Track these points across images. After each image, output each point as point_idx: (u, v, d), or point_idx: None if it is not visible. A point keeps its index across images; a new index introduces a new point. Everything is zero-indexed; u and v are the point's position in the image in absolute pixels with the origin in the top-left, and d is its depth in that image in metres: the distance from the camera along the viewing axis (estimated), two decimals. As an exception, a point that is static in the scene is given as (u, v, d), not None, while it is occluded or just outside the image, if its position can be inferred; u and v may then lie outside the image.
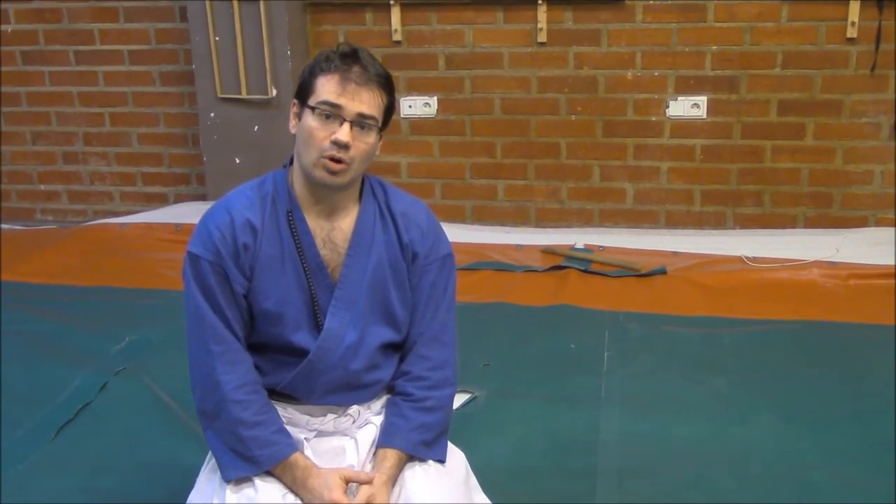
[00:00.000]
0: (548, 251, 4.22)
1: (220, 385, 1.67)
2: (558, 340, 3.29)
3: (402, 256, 1.78)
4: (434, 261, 1.81)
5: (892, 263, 3.85)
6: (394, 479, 1.71)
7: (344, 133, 1.62)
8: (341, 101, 1.63)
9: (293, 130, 1.71)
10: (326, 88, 1.64)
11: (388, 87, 1.69)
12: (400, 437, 1.74)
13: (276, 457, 1.68)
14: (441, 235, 1.85)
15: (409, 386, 1.80)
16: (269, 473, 1.69)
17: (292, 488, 1.68)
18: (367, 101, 1.64)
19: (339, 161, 1.63)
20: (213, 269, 1.68)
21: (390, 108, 1.71)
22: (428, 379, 1.79)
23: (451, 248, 1.87)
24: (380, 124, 1.68)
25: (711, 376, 3.01)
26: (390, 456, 1.73)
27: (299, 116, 1.69)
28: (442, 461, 1.78)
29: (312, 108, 1.65)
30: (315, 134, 1.64)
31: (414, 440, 1.74)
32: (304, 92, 1.68)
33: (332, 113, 1.63)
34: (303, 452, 1.72)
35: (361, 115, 1.64)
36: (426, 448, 1.75)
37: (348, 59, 1.65)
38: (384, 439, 1.75)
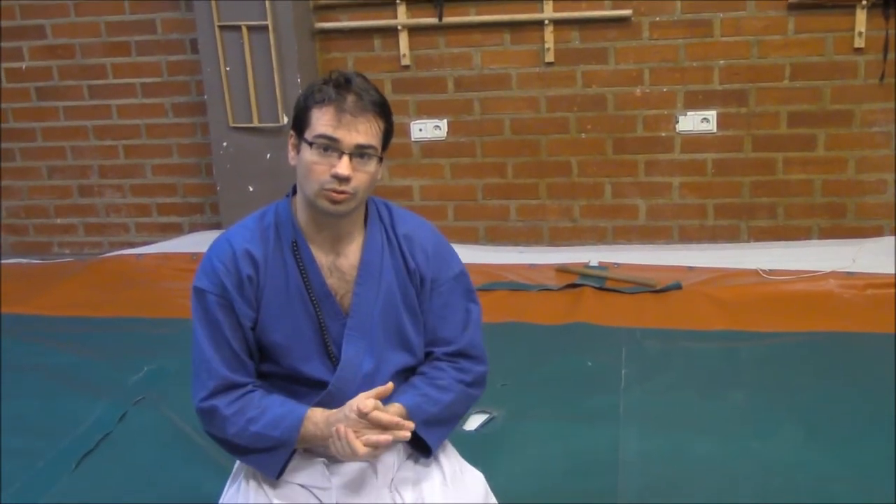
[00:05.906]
0: (562, 270, 4.21)
1: (217, 410, 1.68)
2: (575, 359, 3.28)
3: (409, 281, 1.78)
4: (444, 283, 1.81)
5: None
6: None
7: (343, 167, 1.60)
8: (338, 133, 1.60)
9: (293, 163, 1.69)
10: (322, 121, 1.61)
11: (384, 114, 1.65)
12: (405, 396, 1.73)
13: (295, 425, 1.66)
14: (448, 256, 1.83)
15: (424, 367, 1.81)
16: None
17: (321, 444, 1.67)
18: (364, 132, 1.62)
19: (342, 191, 1.62)
20: (220, 303, 1.68)
21: (388, 133, 1.68)
22: (446, 369, 1.80)
23: (461, 267, 1.85)
24: (379, 151, 1.66)
25: (730, 391, 2.99)
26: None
27: (298, 148, 1.67)
28: (427, 454, 1.76)
29: (310, 143, 1.62)
30: (315, 168, 1.62)
31: (416, 403, 1.72)
32: (300, 124, 1.66)
33: (330, 146, 1.61)
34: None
35: (360, 146, 1.61)
36: (423, 425, 1.72)
37: (342, 89, 1.62)
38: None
